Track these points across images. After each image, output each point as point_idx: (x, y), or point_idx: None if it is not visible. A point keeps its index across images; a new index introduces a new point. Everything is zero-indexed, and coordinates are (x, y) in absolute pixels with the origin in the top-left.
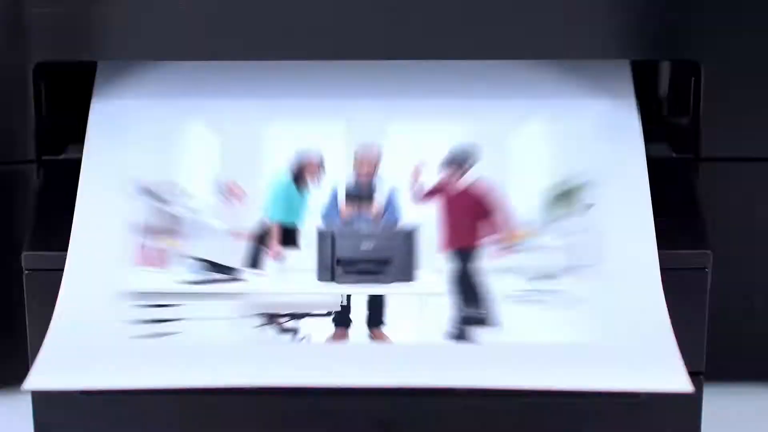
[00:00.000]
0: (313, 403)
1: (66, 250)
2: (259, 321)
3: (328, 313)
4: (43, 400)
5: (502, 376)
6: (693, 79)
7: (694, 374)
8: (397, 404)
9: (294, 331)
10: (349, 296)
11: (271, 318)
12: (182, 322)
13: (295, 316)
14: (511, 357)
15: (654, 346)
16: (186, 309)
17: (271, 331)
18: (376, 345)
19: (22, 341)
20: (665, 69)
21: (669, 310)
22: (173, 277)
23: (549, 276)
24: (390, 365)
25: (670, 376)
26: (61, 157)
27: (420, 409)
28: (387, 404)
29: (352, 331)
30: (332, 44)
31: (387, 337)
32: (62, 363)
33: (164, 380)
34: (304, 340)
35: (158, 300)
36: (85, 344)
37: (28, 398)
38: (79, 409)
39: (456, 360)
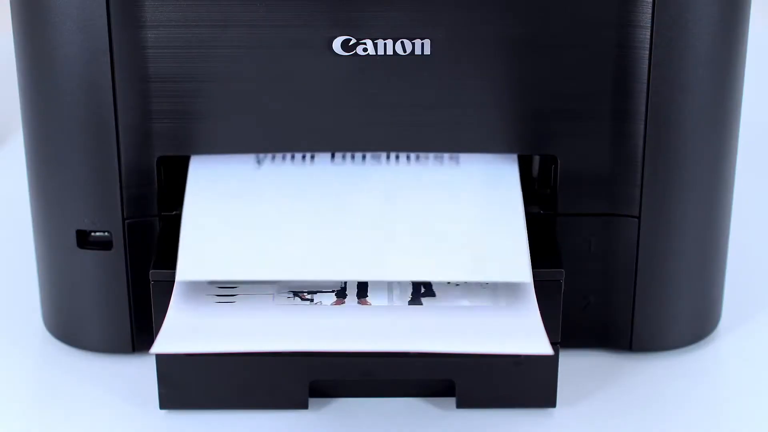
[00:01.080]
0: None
1: (175, 269)
2: (290, 295)
3: (333, 290)
4: (163, 359)
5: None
6: (553, 166)
7: (554, 343)
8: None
9: (311, 300)
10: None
11: (297, 294)
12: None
13: (311, 292)
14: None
15: (526, 326)
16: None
17: (297, 300)
18: (360, 307)
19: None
20: (536, 160)
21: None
22: None
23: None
24: (364, 322)
25: (538, 343)
26: (173, 213)
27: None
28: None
29: (347, 300)
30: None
31: (368, 303)
32: (174, 335)
33: (245, 345)
34: (317, 304)
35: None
36: (189, 323)
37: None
38: (186, 363)
39: (401, 322)
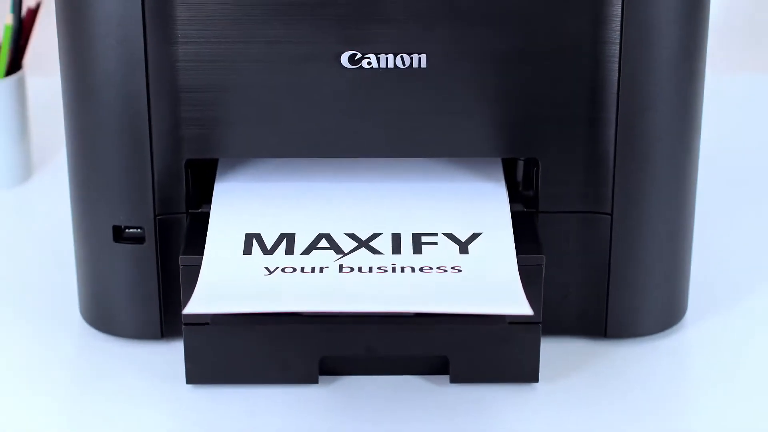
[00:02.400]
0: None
1: (202, 255)
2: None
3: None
4: (190, 334)
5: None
6: (535, 169)
7: (535, 323)
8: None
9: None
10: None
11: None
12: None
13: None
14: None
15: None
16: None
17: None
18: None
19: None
20: (520, 165)
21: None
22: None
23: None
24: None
25: (520, 306)
26: (199, 210)
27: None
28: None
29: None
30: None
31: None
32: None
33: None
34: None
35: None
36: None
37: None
38: (212, 337)
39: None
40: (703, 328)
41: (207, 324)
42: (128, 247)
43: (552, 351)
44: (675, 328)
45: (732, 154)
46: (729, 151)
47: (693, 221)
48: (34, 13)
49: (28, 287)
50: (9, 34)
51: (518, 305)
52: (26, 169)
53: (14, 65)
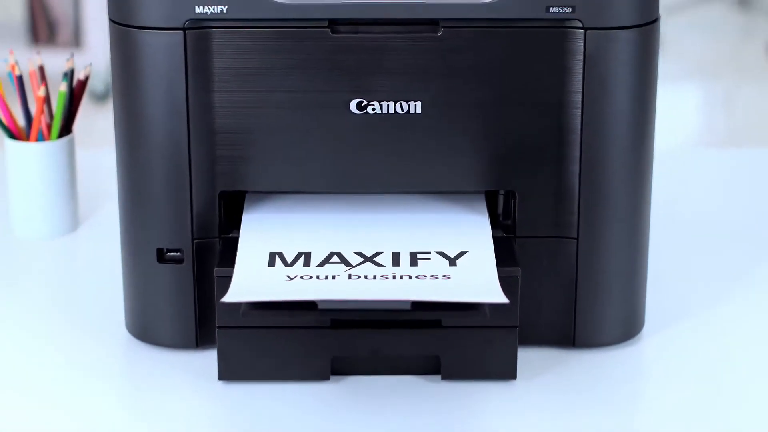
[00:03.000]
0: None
1: (233, 268)
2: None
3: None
4: (222, 336)
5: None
6: (513, 200)
7: (513, 327)
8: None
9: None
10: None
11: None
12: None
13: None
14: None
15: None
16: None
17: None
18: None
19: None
20: (501, 199)
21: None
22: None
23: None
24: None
25: (497, 296)
26: (230, 235)
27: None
28: (377, 334)
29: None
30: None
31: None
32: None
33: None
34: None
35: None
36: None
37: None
38: (241, 339)
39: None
40: (657, 339)
41: (237, 328)
42: (169, 267)
43: (528, 357)
44: (634, 339)
45: (682, 187)
46: (680, 183)
47: (648, 245)
48: (83, 83)
49: (80, 310)
50: (63, 101)
51: (495, 295)
52: (73, 221)
53: (66, 129)
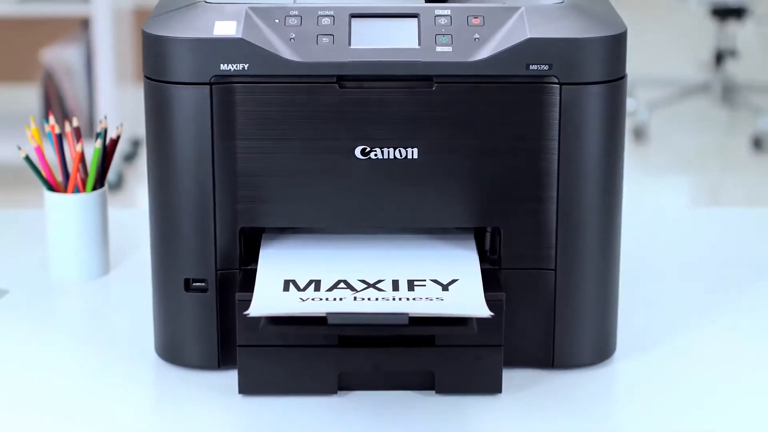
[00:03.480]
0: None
1: (252, 293)
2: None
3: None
4: (243, 354)
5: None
6: (498, 237)
7: (498, 346)
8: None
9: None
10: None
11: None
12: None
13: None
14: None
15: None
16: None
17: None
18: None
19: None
20: (488, 237)
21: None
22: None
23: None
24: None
25: (482, 310)
26: (249, 267)
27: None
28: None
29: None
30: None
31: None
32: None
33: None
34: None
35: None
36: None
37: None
38: (259, 357)
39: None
40: (628, 362)
41: (255, 346)
42: (195, 295)
43: (512, 376)
44: (606, 361)
45: (650, 222)
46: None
47: (618, 276)
48: (115, 142)
49: (113, 338)
50: (97, 157)
51: (481, 310)
52: (105, 266)
53: (99, 182)
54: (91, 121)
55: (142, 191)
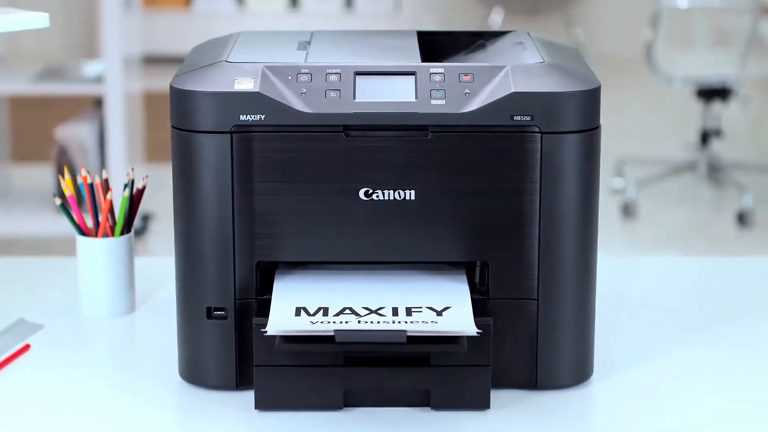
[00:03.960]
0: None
1: (267, 318)
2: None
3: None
4: (259, 373)
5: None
6: (487, 270)
7: (486, 366)
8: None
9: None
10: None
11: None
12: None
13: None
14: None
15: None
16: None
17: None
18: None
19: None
20: (477, 271)
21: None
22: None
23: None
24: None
25: (470, 328)
26: (264, 297)
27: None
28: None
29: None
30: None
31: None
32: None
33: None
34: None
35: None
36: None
37: (251, 395)
38: (273, 376)
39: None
40: (604, 383)
41: (270, 366)
42: (215, 322)
43: (499, 395)
44: (585, 383)
45: (627, 266)
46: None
47: (594, 306)
48: (141, 191)
49: (140, 364)
50: (125, 204)
51: (470, 329)
52: (131, 304)
53: (126, 228)
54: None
55: (159, 241)
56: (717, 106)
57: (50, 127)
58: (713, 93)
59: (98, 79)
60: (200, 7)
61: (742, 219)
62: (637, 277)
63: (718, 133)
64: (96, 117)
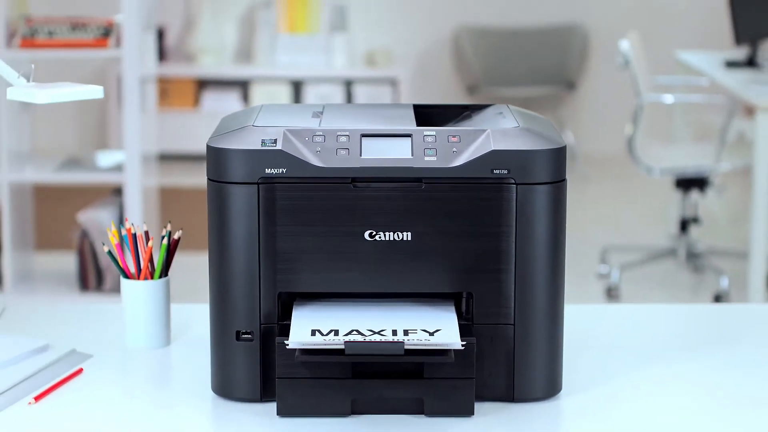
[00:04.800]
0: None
1: (288, 337)
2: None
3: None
4: (281, 384)
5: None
6: (471, 300)
7: (470, 378)
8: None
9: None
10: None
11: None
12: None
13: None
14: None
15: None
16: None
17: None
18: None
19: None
20: (463, 302)
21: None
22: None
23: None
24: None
25: (458, 344)
26: (284, 323)
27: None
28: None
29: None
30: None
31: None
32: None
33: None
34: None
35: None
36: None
37: (273, 407)
38: (293, 387)
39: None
40: (571, 398)
41: (290, 378)
42: (243, 343)
43: (482, 406)
44: (554, 397)
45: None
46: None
47: (562, 331)
48: (177, 241)
49: (177, 383)
50: (164, 252)
51: (456, 344)
52: (167, 338)
53: (164, 272)
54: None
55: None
56: (694, 195)
57: (70, 217)
58: (691, 183)
59: (118, 168)
60: (207, 106)
61: (719, 300)
62: (606, 318)
63: (695, 220)
64: (115, 203)
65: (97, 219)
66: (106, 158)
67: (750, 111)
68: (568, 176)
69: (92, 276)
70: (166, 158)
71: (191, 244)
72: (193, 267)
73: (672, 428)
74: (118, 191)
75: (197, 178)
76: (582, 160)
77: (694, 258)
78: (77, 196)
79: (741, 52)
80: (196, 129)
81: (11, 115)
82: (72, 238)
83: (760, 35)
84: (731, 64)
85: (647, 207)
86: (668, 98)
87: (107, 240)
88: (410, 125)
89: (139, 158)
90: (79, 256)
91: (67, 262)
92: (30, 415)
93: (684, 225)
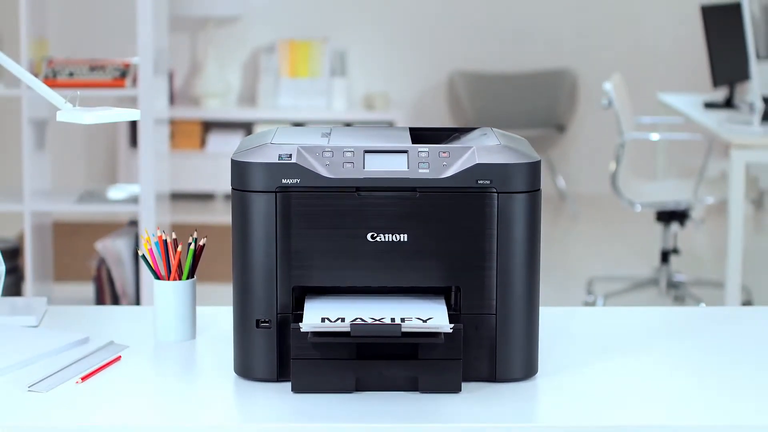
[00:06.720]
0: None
1: (301, 323)
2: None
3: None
4: (296, 364)
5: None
6: (459, 294)
7: (458, 359)
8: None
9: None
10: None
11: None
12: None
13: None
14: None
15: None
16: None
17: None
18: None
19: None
20: (452, 295)
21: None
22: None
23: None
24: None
25: (447, 328)
26: (298, 312)
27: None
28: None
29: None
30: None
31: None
32: (309, 325)
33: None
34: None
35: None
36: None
37: (287, 386)
38: (306, 366)
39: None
40: (546, 379)
41: (304, 359)
42: (262, 330)
43: (468, 385)
44: (532, 378)
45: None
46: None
47: (538, 320)
48: (202, 248)
49: (204, 368)
50: (190, 257)
51: (446, 327)
52: (193, 332)
53: (191, 274)
54: (137, 301)
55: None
56: (674, 227)
57: (86, 250)
58: (671, 216)
59: (133, 200)
60: (212, 147)
61: None
62: (581, 317)
63: (675, 251)
64: (131, 233)
65: (114, 248)
66: (117, 192)
67: (728, 148)
68: (558, 217)
69: (109, 301)
70: (174, 197)
71: (205, 276)
72: (206, 295)
73: (637, 403)
74: (133, 223)
75: (204, 215)
76: (572, 199)
77: (674, 287)
78: (92, 231)
79: (719, 94)
80: (202, 169)
81: (30, 155)
82: (90, 267)
83: (737, 78)
84: (710, 105)
85: (632, 240)
86: (654, 136)
87: (125, 265)
88: (407, 143)
89: (153, 194)
90: (97, 282)
91: (84, 291)
92: (77, 393)
93: (665, 256)
